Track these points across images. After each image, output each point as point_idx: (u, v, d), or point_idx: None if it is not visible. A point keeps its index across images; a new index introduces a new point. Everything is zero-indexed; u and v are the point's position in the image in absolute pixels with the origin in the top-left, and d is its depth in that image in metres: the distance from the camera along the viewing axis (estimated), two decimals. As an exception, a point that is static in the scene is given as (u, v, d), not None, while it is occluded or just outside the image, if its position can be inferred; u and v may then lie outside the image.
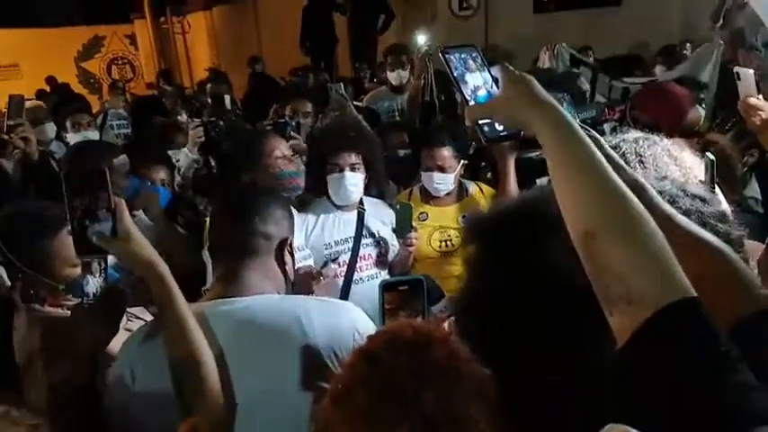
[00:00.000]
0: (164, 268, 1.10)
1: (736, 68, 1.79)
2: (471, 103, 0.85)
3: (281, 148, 2.16)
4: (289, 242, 1.37)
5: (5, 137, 2.55)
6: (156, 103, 5.20)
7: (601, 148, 0.92)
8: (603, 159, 0.75)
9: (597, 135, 0.96)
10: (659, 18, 6.80)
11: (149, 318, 1.53)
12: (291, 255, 1.38)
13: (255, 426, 1.15)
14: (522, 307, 0.80)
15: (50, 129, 3.94)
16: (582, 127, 0.92)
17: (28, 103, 4.29)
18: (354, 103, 4.01)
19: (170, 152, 3.12)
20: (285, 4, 8.36)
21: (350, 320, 1.29)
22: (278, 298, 1.33)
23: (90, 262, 1.28)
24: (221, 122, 2.96)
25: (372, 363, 0.72)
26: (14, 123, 2.60)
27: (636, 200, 0.72)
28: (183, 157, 3.13)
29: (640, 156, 1.32)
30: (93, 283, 1.30)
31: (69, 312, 1.34)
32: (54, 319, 1.52)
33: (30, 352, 1.46)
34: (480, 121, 0.85)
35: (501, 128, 0.85)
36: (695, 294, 0.66)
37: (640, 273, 0.67)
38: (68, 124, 3.64)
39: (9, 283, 1.59)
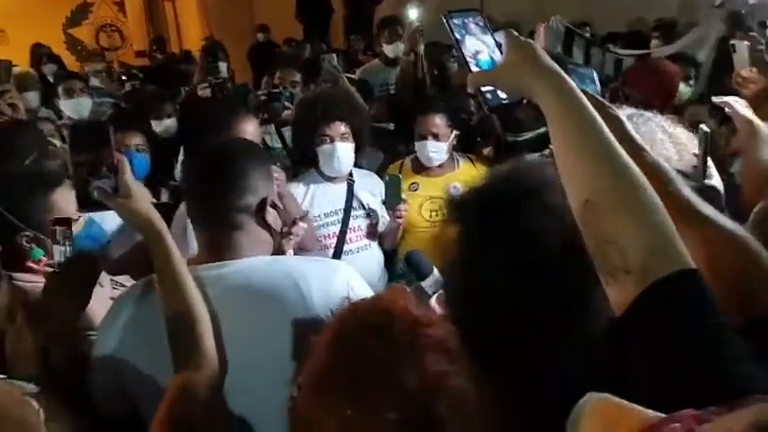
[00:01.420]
0: (161, 225, 1.12)
1: (732, 41, 1.80)
2: (473, 68, 0.83)
3: (249, 131, 2.11)
4: (268, 200, 1.30)
5: (-9, 103, 2.53)
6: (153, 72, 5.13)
7: (623, 127, 0.91)
8: (606, 129, 0.73)
9: (618, 114, 0.94)
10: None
11: None
12: (274, 207, 1.31)
13: (248, 386, 1.15)
14: (500, 276, 0.80)
15: (34, 97, 3.90)
16: (603, 104, 0.90)
17: (15, 69, 4.23)
18: (347, 75, 3.98)
19: (154, 122, 3.12)
20: (278, -28, 8.19)
21: (343, 279, 1.29)
22: (270, 260, 1.31)
23: (55, 230, 1.29)
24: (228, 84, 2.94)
25: (344, 349, 0.73)
26: (2, 89, 2.57)
27: (638, 170, 0.71)
28: (166, 126, 3.13)
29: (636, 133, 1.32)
30: (60, 252, 1.31)
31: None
32: (33, 288, 1.52)
33: (12, 322, 1.46)
34: (483, 88, 0.83)
35: (503, 95, 0.83)
36: (694, 266, 0.66)
37: (640, 243, 0.66)
38: (60, 90, 3.60)
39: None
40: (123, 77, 5.56)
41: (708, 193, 1.33)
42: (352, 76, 4.09)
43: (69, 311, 1.25)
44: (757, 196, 1.30)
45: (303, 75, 3.54)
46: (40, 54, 6.01)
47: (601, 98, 0.91)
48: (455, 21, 0.85)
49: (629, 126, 0.93)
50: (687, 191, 0.87)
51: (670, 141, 1.31)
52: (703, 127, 1.33)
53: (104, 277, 1.61)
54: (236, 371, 1.15)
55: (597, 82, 0.96)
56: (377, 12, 7.18)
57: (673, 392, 0.59)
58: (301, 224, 2.00)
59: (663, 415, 0.51)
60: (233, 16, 8.93)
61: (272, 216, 1.31)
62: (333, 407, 0.69)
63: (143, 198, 1.13)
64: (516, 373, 0.75)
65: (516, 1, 7.08)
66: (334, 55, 3.47)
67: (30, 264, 1.54)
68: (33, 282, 1.51)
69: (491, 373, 0.73)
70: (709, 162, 1.50)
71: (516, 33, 0.82)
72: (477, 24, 0.87)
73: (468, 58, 0.83)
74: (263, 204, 1.29)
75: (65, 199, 1.57)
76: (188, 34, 10.20)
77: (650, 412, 0.52)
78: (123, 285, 1.65)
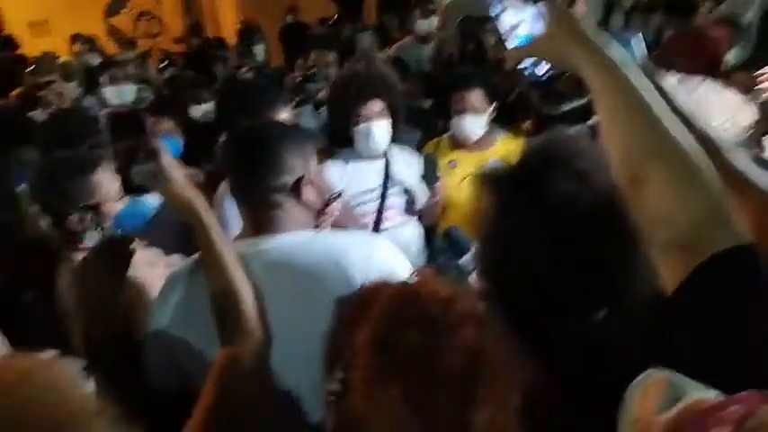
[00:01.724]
0: (202, 204, 1.15)
1: None
2: (512, 42, 0.82)
3: (281, 117, 2.13)
4: (306, 179, 1.33)
5: (40, 93, 2.62)
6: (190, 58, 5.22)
7: (670, 97, 0.87)
8: (656, 98, 0.71)
9: (665, 84, 0.91)
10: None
11: None
12: (311, 182, 1.34)
13: (287, 360, 1.17)
14: (533, 245, 0.80)
15: (73, 88, 4.02)
16: (649, 72, 0.88)
17: (62, 58, 4.35)
18: (380, 54, 3.96)
19: (193, 107, 3.17)
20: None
21: (383, 254, 1.32)
22: (311, 235, 1.34)
23: (84, 217, 1.34)
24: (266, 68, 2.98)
25: (389, 348, 0.73)
26: (48, 80, 2.67)
27: (690, 141, 0.68)
28: (204, 111, 3.18)
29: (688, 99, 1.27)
30: (92, 237, 1.37)
31: None
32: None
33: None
34: (521, 65, 0.82)
35: (544, 69, 0.82)
36: (750, 240, 0.64)
37: (693, 216, 0.64)
38: (104, 78, 3.70)
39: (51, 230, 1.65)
40: (162, 64, 5.65)
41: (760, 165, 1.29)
42: (386, 54, 4.07)
43: (103, 292, 1.30)
44: None
45: (337, 55, 3.54)
46: (80, 44, 6.15)
47: (648, 64, 0.88)
48: None
49: (674, 95, 0.90)
50: (739, 159, 0.84)
51: (719, 108, 1.27)
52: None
53: (158, 257, 1.67)
54: (276, 346, 1.16)
55: (643, 45, 0.92)
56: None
57: (727, 371, 0.58)
58: (335, 203, 2.02)
59: (723, 397, 0.50)
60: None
61: (310, 194, 1.34)
62: (389, 405, 0.70)
63: (183, 180, 1.16)
64: (555, 344, 0.75)
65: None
66: (369, 33, 3.45)
67: (82, 245, 1.61)
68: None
69: (531, 345, 0.73)
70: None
71: (558, 3, 0.80)
72: None
73: (505, 33, 0.82)
74: (298, 183, 1.32)
75: (107, 179, 1.64)
76: (224, 19, 10.27)
77: (711, 392, 0.51)
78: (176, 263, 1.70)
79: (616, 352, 0.69)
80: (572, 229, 0.78)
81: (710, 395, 0.51)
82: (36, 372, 0.61)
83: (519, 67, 0.82)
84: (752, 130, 1.39)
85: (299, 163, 1.33)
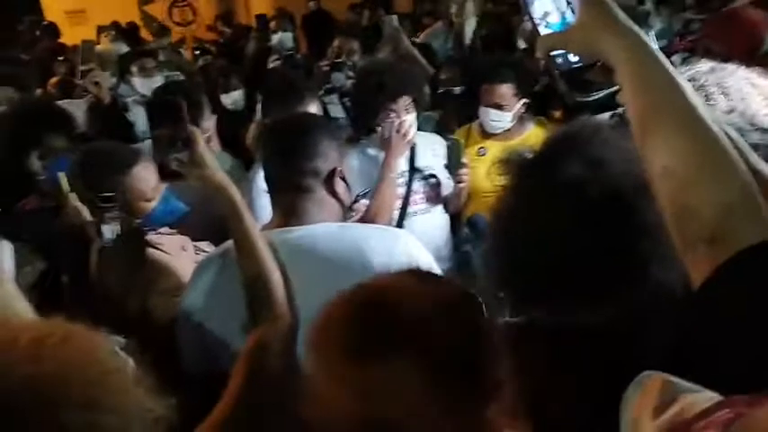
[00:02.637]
0: (234, 191, 1.19)
1: None
2: (543, 30, 0.80)
3: (310, 108, 2.18)
4: (338, 171, 1.39)
5: (79, 81, 2.69)
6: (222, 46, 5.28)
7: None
8: (689, 90, 0.69)
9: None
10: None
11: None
12: (344, 181, 1.40)
13: None
14: (540, 229, 0.80)
15: (108, 77, 4.09)
16: None
17: (97, 48, 4.44)
18: (411, 39, 3.94)
19: (223, 95, 3.22)
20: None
21: (405, 248, 1.34)
22: (337, 226, 1.38)
23: (103, 210, 1.41)
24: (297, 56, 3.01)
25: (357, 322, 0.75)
26: (87, 68, 2.73)
27: (720, 134, 0.66)
28: (235, 99, 3.22)
29: (722, 87, 1.24)
30: (109, 230, 1.43)
31: None
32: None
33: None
34: (553, 52, 0.80)
35: (576, 58, 0.79)
36: None
37: (722, 212, 0.62)
38: (135, 69, 3.76)
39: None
40: (196, 53, 5.73)
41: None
42: (416, 40, 4.05)
43: (125, 280, 1.35)
44: None
45: (361, 42, 3.54)
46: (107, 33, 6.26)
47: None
48: None
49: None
50: (762, 164, 0.81)
51: (759, 95, 1.22)
52: None
53: (187, 242, 1.72)
54: (303, 326, 1.20)
55: (655, 44, 0.92)
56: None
57: (752, 372, 0.56)
58: (363, 201, 2.05)
59: (716, 399, 0.49)
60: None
61: (341, 187, 1.39)
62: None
63: (217, 167, 1.19)
64: (562, 334, 0.75)
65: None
66: (395, 16, 3.43)
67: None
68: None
69: (535, 334, 0.73)
70: None
71: None
72: None
73: (536, 21, 0.81)
74: (333, 173, 1.36)
75: (142, 177, 1.67)
76: (256, 6, 10.32)
77: (707, 394, 0.50)
78: (205, 251, 1.75)
79: (633, 349, 0.68)
80: (579, 214, 0.77)
81: (704, 397, 0.50)
82: (78, 336, 0.64)
83: (551, 54, 0.80)
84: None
85: (333, 153, 1.39)
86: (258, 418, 0.98)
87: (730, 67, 1.26)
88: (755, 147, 1.05)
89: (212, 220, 1.59)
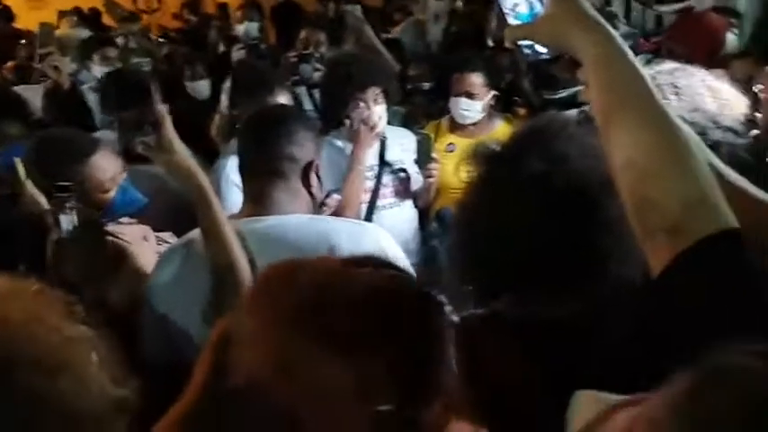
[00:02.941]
0: (203, 178, 1.17)
1: None
2: (511, 21, 0.81)
3: (279, 99, 2.16)
4: (315, 164, 1.39)
5: (37, 65, 2.60)
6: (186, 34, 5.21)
7: None
8: (653, 87, 0.70)
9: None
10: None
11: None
12: (318, 177, 1.40)
13: None
14: (502, 222, 0.81)
15: (68, 63, 3.97)
16: None
17: (57, 33, 4.31)
18: (383, 35, 3.94)
19: (189, 83, 3.16)
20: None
21: (374, 241, 1.33)
22: (308, 217, 1.37)
23: (61, 200, 1.38)
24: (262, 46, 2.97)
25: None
26: (45, 52, 2.64)
27: (682, 127, 0.68)
28: (202, 88, 3.18)
29: (676, 87, 1.28)
30: (67, 221, 1.39)
31: None
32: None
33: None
34: (521, 42, 0.81)
35: (543, 50, 0.81)
36: (738, 226, 0.64)
37: (681, 200, 0.64)
38: (96, 57, 3.66)
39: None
40: (161, 41, 5.61)
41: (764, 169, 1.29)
42: (387, 35, 4.05)
43: (80, 272, 1.32)
44: None
45: (328, 34, 3.51)
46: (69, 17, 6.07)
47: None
48: None
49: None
50: (716, 160, 0.83)
51: (712, 97, 1.27)
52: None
53: (149, 232, 1.68)
54: None
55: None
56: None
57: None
58: (335, 196, 2.05)
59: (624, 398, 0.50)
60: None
61: (315, 181, 1.38)
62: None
63: (185, 152, 1.16)
64: (525, 327, 0.76)
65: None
66: (358, 6, 3.41)
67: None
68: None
69: (498, 326, 0.74)
70: None
71: None
72: None
73: (506, 11, 0.82)
74: (309, 166, 1.36)
75: (100, 167, 1.62)
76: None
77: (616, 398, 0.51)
78: (167, 241, 1.71)
79: (595, 342, 0.69)
80: (543, 209, 0.79)
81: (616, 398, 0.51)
82: (43, 301, 0.62)
83: (519, 44, 0.81)
84: (747, 120, 1.39)
85: (310, 144, 1.39)
86: (224, 410, 0.96)
87: (690, 69, 1.30)
88: (717, 144, 1.09)
89: (173, 210, 1.56)
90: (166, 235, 1.74)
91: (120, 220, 1.67)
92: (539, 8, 0.80)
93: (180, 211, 1.34)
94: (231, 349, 1.03)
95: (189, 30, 6.06)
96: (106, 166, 1.63)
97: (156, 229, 1.74)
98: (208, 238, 1.16)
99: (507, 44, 0.82)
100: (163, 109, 1.18)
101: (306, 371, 0.65)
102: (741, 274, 0.62)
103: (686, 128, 0.83)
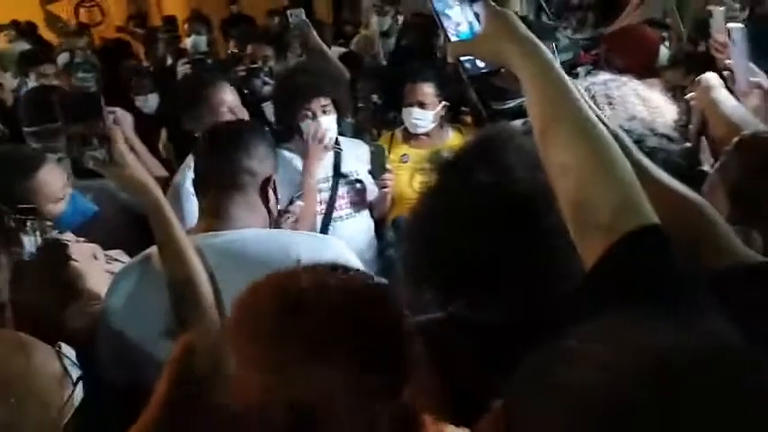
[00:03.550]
0: (158, 192, 1.15)
1: (710, 6, 1.83)
2: (453, 38, 0.86)
3: (228, 100, 2.17)
4: (272, 180, 1.39)
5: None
6: (123, 47, 5.10)
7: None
8: (580, 98, 0.77)
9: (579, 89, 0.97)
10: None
11: (127, 259, 1.57)
12: (275, 192, 1.41)
13: None
14: (452, 229, 0.86)
15: (8, 79, 3.85)
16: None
17: (-5, 48, 4.14)
18: (335, 48, 3.97)
19: (137, 98, 3.11)
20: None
21: (334, 253, 1.34)
22: (266, 232, 1.37)
23: (24, 222, 1.38)
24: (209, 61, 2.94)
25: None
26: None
27: (606, 133, 0.75)
28: (151, 102, 3.13)
29: (609, 97, 1.36)
30: (30, 242, 1.37)
31: None
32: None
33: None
34: (462, 58, 0.86)
35: (482, 64, 0.86)
36: (657, 221, 0.70)
37: (610, 201, 0.70)
38: (33, 75, 3.55)
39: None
40: (99, 54, 5.46)
41: (696, 175, 1.37)
42: (344, 49, 4.09)
43: (47, 296, 1.30)
44: (728, 141, 1.33)
45: (275, 48, 3.51)
46: (22, 31, 5.88)
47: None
48: None
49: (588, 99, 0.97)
50: (647, 160, 0.90)
51: (643, 105, 1.35)
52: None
53: (98, 250, 1.64)
54: None
55: (557, 57, 1.02)
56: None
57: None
58: (298, 203, 2.05)
59: None
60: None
61: (271, 197, 1.39)
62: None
63: (138, 166, 1.15)
64: (480, 329, 0.79)
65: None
66: (301, 9, 3.41)
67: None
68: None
69: (454, 329, 0.77)
70: (703, 142, 1.51)
71: (493, 4, 0.85)
72: None
73: (448, 29, 0.87)
74: (267, 181, 1.37)
75: (50, 179, 1.60)
76: (168, 7, 9.99)
77: None
78: (117, 260, 1.68)
79: (544, 339, 0.73)
80: (492, 216, 0.84)
81: None
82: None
83: (461, 59, 0.86)
84: (679, 127, 1.48)
85: (268, 161, 1.40)
86: (185, 426, 0.96)
87: (623, 79, 1.38)
88: (654, 150, 1.16)
89: (123, 223, 1.54)
90: (116, 253, 1.70)
91: (67, 236, 1.63)
92: (477, 27, 0.86)
93: (130, 224, 1.33)
94: (194, 363, 1.03)
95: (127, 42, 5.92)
96: (54, 179, 1.61)
97: (106, 244, 1.71)
98: (164, 253, 1.15)
99: (450, 60, 0.87)
100: (113, 122, 1.16)
101: (297, 377, 0.69)
102: (664, 264, 0.69)
103: (610, 131, 0.90)
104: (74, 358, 0.98)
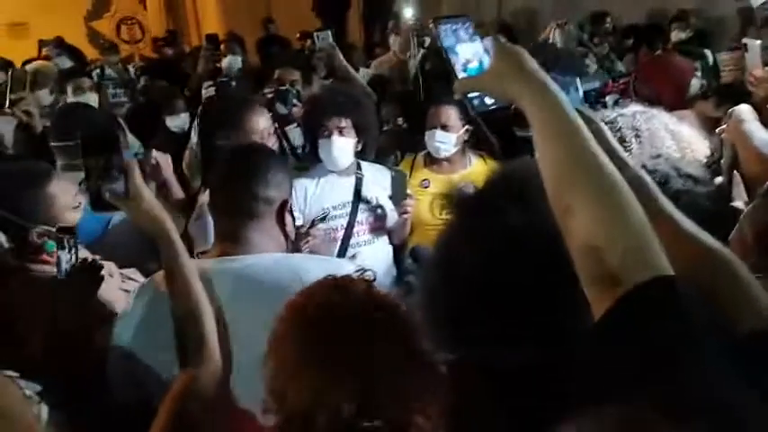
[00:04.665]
0: (171, 226, 1.16)
1: (744, 39, 1.78)
2: (460, 74, 0.85)
3: (261, 127, 2.18)
4: (289, 204, 1.40)
5: (8, 111, 2.58)
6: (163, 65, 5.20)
7: (605, 138, 0.90)
8: (589, 137, 0.74)
9: (601, 127, 0.93)
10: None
11: (141, 279, 1.58)
12: (291, 215, 1.42)
13: (255, 380, 1.18)
14: (474, 272, 0.82)
15: (45, 95, 3.95)
16: (584, 116, 0.89)
17: (33, 65, 4.28)
18: (363, 69, 3.98)
19: (168, 117, 3.16)
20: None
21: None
22: (280, 256, 1.37)
23: (62, 238, 1.40)
24: (233, 83, 2.97)
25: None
26: (17, 97, 2.63)
27: (620, 178, 0.71)
28: (181, 122, 3.18)
29: (637, 130, 1.31)
30: (66, 260, 1.39)
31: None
32: (43, 280, 1.56)
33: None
34: (470, 94, 0.85)
35: (491, 101, 0.85)
36: (671, 273, 0.66)
37: (618, 249, 0.67)
38: (70, 88, 3.65)
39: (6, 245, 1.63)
40: (137, 72, 5.59)
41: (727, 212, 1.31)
42: (369, 70, 4.10)
43: (73, 316, 1.31)
44: (761, 177, 1.28)
45: (302, 72, 3.54)
46: (49, 47, 6.06)
47: (585, 109, 0.91)
48: (444, 27, 0.87)
49: (611, 137, 0.93)
50: (670, 207, 0.86)
51: (672, 139, 1.30)
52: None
53: (113, 268, 1.66)
54: (242, 366, 1.17)
55: (581, 90, 0.98)
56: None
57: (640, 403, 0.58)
58: (321, 226, 2.05)
59: None
60: (250, 9, 8.95)
61: (288, 221, 1.40)
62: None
63: (152, 200, 1.16)
64: (494, 373, 0.76)
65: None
66: (329, 31, 3.43)
67: (44, 257, 1.59)
68: (49, 273, 1.56)
69: (468, 371, 0.74)
70: (737, 176, 1.47)
71: (503, 40, 0.83)
72: (466, 31, 0.88)
73: (455, 65, 0.85)
74: (283, 205, 1.38)
75: (62, 189, 1.64)
76: (207, 27, 10.24)
77: None
78: (130, 278, 1.69)
79: (549, 383, 0.70)
80: (514, 259, 0.80)
81: None
82: None
83: (468, 96, 0.84)
84: (711, 162, 1.43)
85: (285, 186, 1.41)
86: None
87: (653, 111, 1.34)
88: (678, 193, 1.11)
89: (138, 244, 1.56)
90: (130, 271, 1.72)
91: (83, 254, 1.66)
92: (488, 62, 0.84)
93: (143, 241, 1.34)
94: (189, 405, 1.03)
95: (163, 62, 6.05)
96: (66, 186, 1.65)
97: (120, 259, 1.73)
98: (172, 287, 1.15)
99: (456, 96, 0.85)
100: (153, 168, 1.19)
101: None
102: (673, 318, 0.64)
103: (632, 175, 0.86)
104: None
